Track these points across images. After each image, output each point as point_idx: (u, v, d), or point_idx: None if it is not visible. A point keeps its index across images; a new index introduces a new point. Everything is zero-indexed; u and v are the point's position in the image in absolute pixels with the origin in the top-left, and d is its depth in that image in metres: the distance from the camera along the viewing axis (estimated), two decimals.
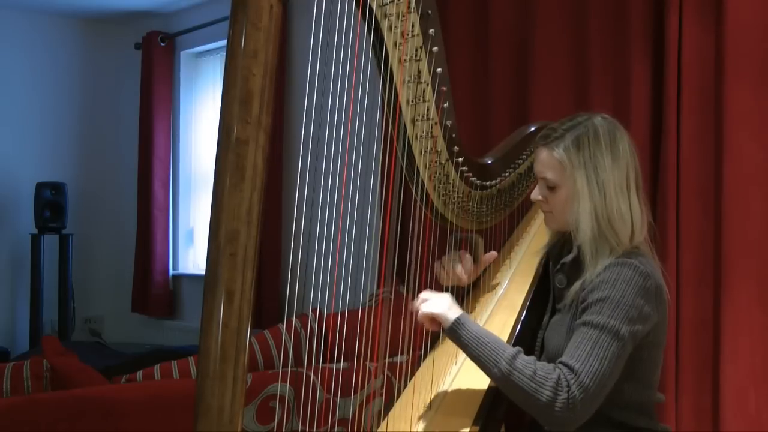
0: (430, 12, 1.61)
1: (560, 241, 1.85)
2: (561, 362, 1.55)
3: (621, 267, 1.63)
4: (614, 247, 1.67)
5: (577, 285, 1.69)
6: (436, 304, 1.66)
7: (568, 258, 1.75)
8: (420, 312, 1.67)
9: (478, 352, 1.58)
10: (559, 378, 1.50)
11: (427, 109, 1.69)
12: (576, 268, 1.72)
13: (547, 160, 1.72)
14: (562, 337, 1.69)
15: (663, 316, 1.68)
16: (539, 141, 1.75)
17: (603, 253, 1.67)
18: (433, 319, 1.66)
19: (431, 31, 1.62)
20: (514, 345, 1.61)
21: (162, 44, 5.39)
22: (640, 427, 1.70)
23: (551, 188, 1.73)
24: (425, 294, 1.70)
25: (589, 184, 1.67)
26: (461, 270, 1.93)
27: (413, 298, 1.71)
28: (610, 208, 1.67)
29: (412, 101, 1.66)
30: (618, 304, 1.57)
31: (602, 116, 1.75)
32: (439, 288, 1.96)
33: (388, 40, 1.57)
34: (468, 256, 1.95)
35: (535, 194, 1.79)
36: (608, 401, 1.58)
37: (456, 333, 1.62)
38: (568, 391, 1.49)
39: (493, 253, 1.99)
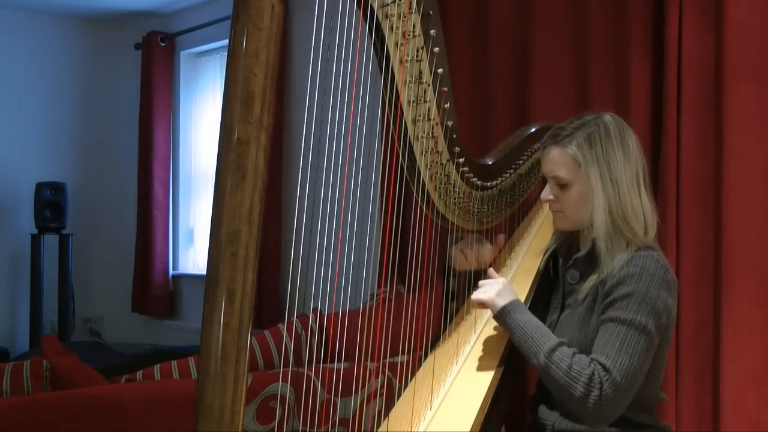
0: (431, 12, 1.61)
1: (569, 239, 1.86)
2: (593, 359, 1.58)
3: (644, 259, 1.65)
4: (630, 240, 1.69)
5: (593, 279, 1.71)
6: (486, 290, 1.73)
7: (582, 253, 1.76)
8: (473, 298, 1.74)
9: (520, 341, 1.65)
10: (592, 374, 1.54)
11: (428, 110, 1.69)
12: (590, 263, 1.74)
13: (560, 157, 1.73)
14: (575, 330, 1.71)
15: (676, 312, 1.71)
16: (548, 140, 1.76)
17: (619, 248, 1.69)
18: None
19: (432, 31, 1.61)
20: None
21: (162, 44, 5.39)
22: (643, 423, 1.72)
23: (563, 186, 1.75)
24: (480, 282, 1.77)
25: (603, 180, 1.69)
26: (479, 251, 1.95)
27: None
28: (624, 203, 1.69)
29: (413, 102, 1.66)
30: (644, 299, 1.61)
31: (610, 115, 1.77)
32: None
33: (390, 41, 1.57)
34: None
35: (546, 194, 1.79)
36: None
37: (502, 320, 1.69)
38: (600, 388, 1.53)
39: (500, 237, 2.02)
